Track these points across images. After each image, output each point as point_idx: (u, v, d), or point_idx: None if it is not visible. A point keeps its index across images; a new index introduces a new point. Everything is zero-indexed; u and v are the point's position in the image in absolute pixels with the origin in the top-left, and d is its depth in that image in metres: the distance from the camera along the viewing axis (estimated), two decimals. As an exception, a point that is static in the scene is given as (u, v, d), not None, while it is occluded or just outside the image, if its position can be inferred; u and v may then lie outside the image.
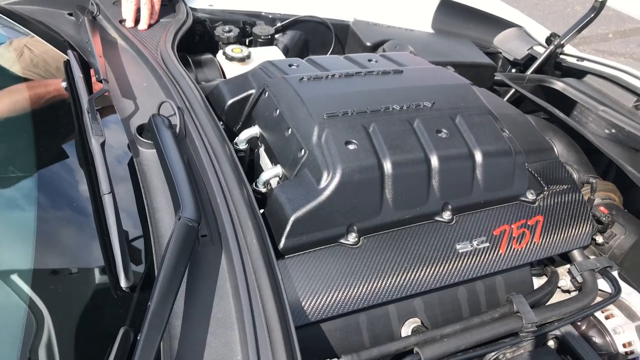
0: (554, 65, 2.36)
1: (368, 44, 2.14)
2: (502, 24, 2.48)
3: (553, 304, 1.23)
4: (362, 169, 1.17)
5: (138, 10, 1.86)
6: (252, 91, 1.43)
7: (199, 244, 1.12)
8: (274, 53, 2.02)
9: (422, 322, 1.20)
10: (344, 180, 1.15)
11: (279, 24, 2.20)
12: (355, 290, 1.12)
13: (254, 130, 1.40)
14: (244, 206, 1.12)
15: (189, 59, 1.90)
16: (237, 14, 2.18)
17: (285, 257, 1.14)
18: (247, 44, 2.14)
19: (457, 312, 1.23)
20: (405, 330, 1.18)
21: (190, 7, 2.11)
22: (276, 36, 2.23)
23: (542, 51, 2.31)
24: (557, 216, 1.35)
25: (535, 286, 1.33)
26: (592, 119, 2.14)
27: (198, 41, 2.12)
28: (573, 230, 1.34)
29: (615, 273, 1.35)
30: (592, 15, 2.27)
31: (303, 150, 1.22)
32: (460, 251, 1.22)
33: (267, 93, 1.39)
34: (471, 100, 1.42)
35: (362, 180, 1.17)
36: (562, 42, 2.30)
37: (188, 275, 1.07)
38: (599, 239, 1.64)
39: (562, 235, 1.32)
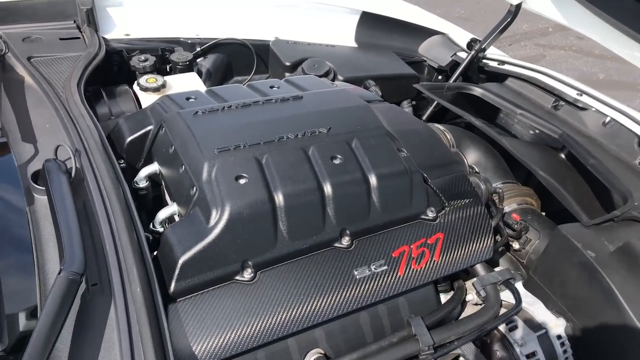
0: (478, 70, 2.40)
1: (287, 63, 2.14)
2: (425, 32, 2.50)
3: (452, 323, 1.24)
4: (252, 204, 1.17)
5: None
6: (151, 127, 1.42)
7: (89, 293, 1.11)
8: (191, 79, 2.01)
9: (324, 353, 1.20)
10: (233, 216, 1.15)
11: (198, 49, 2.20)
12: (251, 328, 1.12)
13: (153, 168, 1.39)
14: (130, 252, 1.11)
15: (102, 92, 1.88)
16: (155, 42, 2.16)
17: (177, 300, 1.13)
18: (168, 71, 2.13)
19: (360, 338, 1.23)
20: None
21: (105, 38, 2.09)
22: (197, 61, 2.22)
23: (465, 57, 2.35)
24: (458, 232, 1.36)
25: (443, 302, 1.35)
26: (517, 121, 2.18)
27: (117, 72, 2.10)
28: (474, 245, 1.36)
29: (519, 284, 1.37)
30: (510, 19, 2.31)
31: (195, 188, 1.21)
32: (358, 277, 1.22)
33: (163, 129, 1.38)
34: (369, 122, 1.43)
35: (252, 215, 1.16)
36: (482, 47, 2.33)
37: (76, 327, 1.06)
38: (515, 245, 1.67)
39: (463, 251, 1.34)
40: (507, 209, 1.74)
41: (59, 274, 1.05)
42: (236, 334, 1.11)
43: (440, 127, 1.91)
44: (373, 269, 1.24)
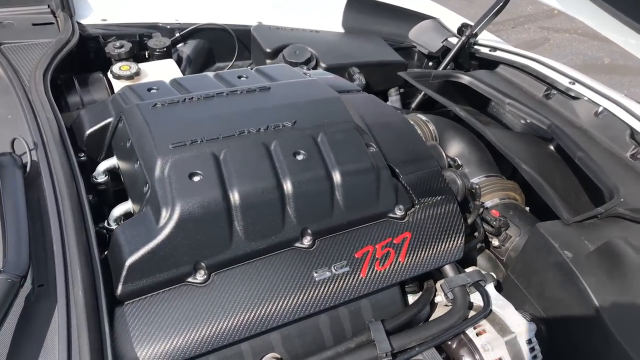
0: (469, 56, 2.31)
1: (268, 50, 2.07)
2: (415, 17, 2.42)
3: (414, 328, 1.19)
4: (204, 203, 1.12)
5: None
6: (111, 119, 1.37)
7: (34, 295, 1.07)
8: (167, 67, 1.95)
9: (280, 358, 1.15)
10: (184, 216, 1.10)
11: (177, 35, 2.13)
12: (201, 332, 1.08)
13: (112, 162, 1.34)
14: (76, 252, 1.07)
15: (75, 80, 1.83)
16: (133, 27, 2.10)
17: (125, 303, 1.08)
18: (146, 57, 2.07)
19: (319, 342, 1.18)
20: None
21: (80, 23, 2.04)
22: (177, 47, 2.16)
23: (456, 42, 2.26)
24: (427, 231, 1.30)
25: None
26: (508, 110, 2.11)
27: (93, 59, 2.04)
28: (443, 245, 1.30)
29: (490, 286, 1.31)
30: (502, 4, 2.22)
31: (147, 185, 1.16)
32: (317, 279, 1.17)
33: (122, 121, 1.33)
34: (338, 115, 1.36)
35: (205, 215, 1.11)
36: (474, 32, 2.25)
37: (17, 330, 1.02)
38: (495, 242, 1.61)
39: (431, 252, 1.28)
40: (488, 203, 1.68)
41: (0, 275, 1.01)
42: (185, 338, 1.06)
43: (423, 117, 1.84)
44: (334, 271, 1.19)
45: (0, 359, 0.98)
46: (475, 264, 1.58)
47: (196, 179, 1.15)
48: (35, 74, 1.60)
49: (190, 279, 1.12)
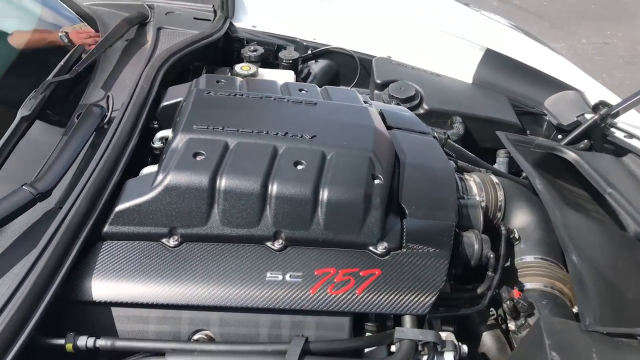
0: (602, 137, 2.10)
1: (378, 81, 2.14)
2: (557, 85, 2.27)
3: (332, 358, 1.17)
4: (193, 179, 1.25)
5: None
6: (180, 99, 1.59)
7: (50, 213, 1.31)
8: (285, 76, 2.14)
9: (213, 337, 1.23)
10: (172, 184, 1.25)
11: (309, 52, 2.32)
12: (153, 286, 1.21)
13: (167, 132, 1.55)
14: (94, 183, 1.28)
15: (204, 70, 2.13)
16: (275, 37, 2.34)
17: (104, 241, 1.26)
18: (275, 65, 2.30)
19: (253, 337, 1.22)
20: (193, 337, 1.22)
21: (234, 25, 2.35)
22: (308, 63, 2.35)
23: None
24: (400, 276, 1.25)
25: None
26: (608, 200, 1.87)
27: (235, 57, 2.33)
28: (411, 296, 1.24)
29: (449, 355, 1.21)
30: (649, 90, 1.97)
31: (165, 154, 1.34)
32: (267, 279, 1.22)
33: (184, 101, 1.54)
34: (360, 142, 1.39)
35: (190, 189, 1.25)
36: (610, 113, 2.04)
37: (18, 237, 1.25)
38: (512, 325, 1.46)
39: (393, 297, 1.23)
40: (529, 285, 1.53)
41: (23, 185, 1.27)
42: (138, 286, 1.20)
43: (495, 180, 1.74)
44: (286, 278, 1.23)
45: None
46: (479, 339, 1.45)
47: (198, 158, 1.29)
48: (162, 53, 1.92)
49: (164, 240, 1.27)
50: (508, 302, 1.41)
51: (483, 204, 1.65)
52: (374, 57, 2.30)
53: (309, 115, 1.47)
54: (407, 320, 1.23)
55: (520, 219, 1.70)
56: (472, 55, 2.29)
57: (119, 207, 1.26)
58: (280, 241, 1.27)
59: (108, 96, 1.62)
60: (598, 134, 2.09)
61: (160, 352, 1.15)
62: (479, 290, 1.41)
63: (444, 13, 2.45)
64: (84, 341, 1.13)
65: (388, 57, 2.30)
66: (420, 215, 1.37)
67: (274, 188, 1.27)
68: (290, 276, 1.23)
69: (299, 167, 1.31)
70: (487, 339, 1.46)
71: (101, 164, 1.37)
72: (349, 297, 1.22)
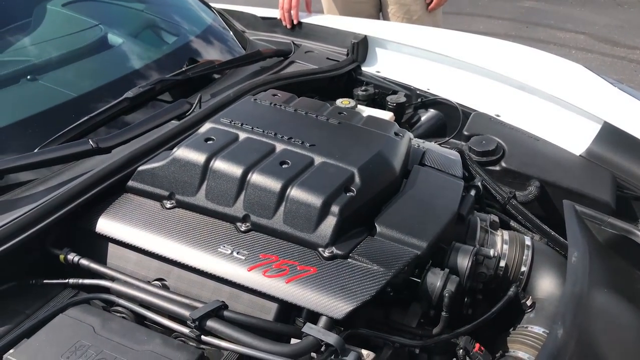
0: None
1: (465, 132, 2.12)
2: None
3: (234, 327, 1.23)
4: (194, 156, 1.49)
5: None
6: None
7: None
8: (381, 114, 2.26)
9: (168, 286, 1.41)
10: (178, 157, 1.50)
11: (419, 100, 2.40)
12: (142, 235, 1.44)
13: None
14: (138, 151, 1.62)
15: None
16: (392, 83, 2.49)
17: (127, 192, 1.56)
18: (384, 107, 2.43)
19: (197, 296, 1.36)
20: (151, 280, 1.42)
21: (360, 68, 2.57)
22: (418, 111, 2.44)
23: None
24: (333, 280, 1.27)
25: None
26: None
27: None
28: (334, 300, 1.24)
29: (351, 356, 1.19)
30: None
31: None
32: (219, 250, 1.37)
33: None
34: (353, 158, 1.47)
35: (189, 164, 1.48)
36: None
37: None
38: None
39: (317, 296, 1.25)
40: (512, 353, 1.39)
41: (89, 138, 1.65)
42: (130, 231, 1.45)
43: (527, 242, 1.60)
44: (234, 254, 1.36)
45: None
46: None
47: (208, 142, 1.53)
48: (270, 77, 2.22)
49: (164, 201, 1.52)
50: (460, 351, 1.31)
51: (503, 262, 1.56)
52: (473, 110, 2.28)
53: (323, 130, 1.60)
54: (322, 320, 1.26)
55: (544, 289, 1.55)
56: (587, 127, 2.12)
57: (141, 168, 1.55)
58: (248, 224, 1.42)
59: (200, 95, 1.97)
60: None
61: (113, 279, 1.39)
62: (435, 331, 1.34)
63: (566, 78, 2.31)
64: (72, 257, 1.43)
65: (496, 115, 2.26)
66: (388, 236, 1.39)
67: (252, 177, 1.43)
68: (237, 253, 1.36)
69: (284, 165, 1.45)
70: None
71: (156, 136, 1.69)
72: (277, 283, 1.30)
